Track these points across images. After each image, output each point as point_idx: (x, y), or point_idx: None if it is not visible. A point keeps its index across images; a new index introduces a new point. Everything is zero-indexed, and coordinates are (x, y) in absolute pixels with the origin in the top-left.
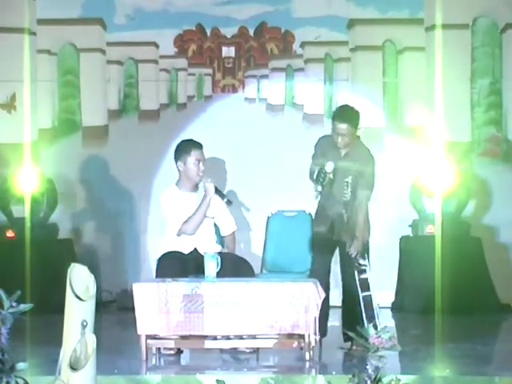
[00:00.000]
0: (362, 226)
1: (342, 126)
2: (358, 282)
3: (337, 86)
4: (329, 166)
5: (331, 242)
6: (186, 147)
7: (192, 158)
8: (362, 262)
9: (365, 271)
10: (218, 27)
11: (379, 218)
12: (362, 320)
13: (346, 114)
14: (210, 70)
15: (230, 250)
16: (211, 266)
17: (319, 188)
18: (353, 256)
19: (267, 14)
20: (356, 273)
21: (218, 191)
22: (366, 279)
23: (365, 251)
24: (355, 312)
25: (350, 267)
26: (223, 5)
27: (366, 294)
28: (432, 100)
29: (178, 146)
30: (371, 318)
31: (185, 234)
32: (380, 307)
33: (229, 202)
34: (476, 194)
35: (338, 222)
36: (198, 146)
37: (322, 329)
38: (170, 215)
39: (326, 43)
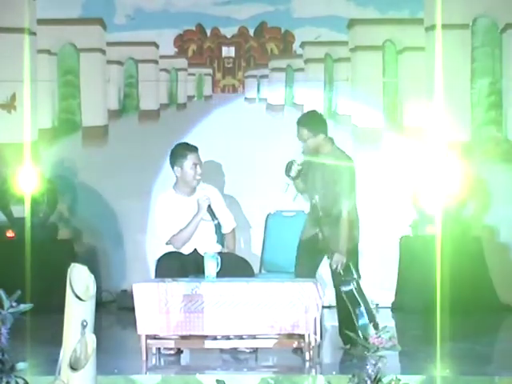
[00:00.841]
0: (344, 238)
1: (302, 131)
2: (344, 296)
3: (337, 86)
4: (299, 158)
5: (317, 249)
6: (182, 151)
7: (189, 161)
8: (345, 274)
9: (348, 283)
10: (218, 27)
11: (379, 218)
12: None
13: (306, 119)
14: (210, 70)
15: (230, 249)
16: (211, 266)
17: (288, 180)
18: (337, 270)
19: (267, 14)
20: (340, 287)
21: (210, 210)
22: (351, 291)
23: (351, 261)
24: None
25: (334, 279)
26: (223, 5)
27: (356, 307)
28: (432, 100)
29: (173, 151)
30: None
31: (173, 246)
32: (380, 307)
33: (218, 225)
34: (476, 194)
35: (320, 237)
36: (194, 149)
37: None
38: (162, 221)
39: (326, 43)
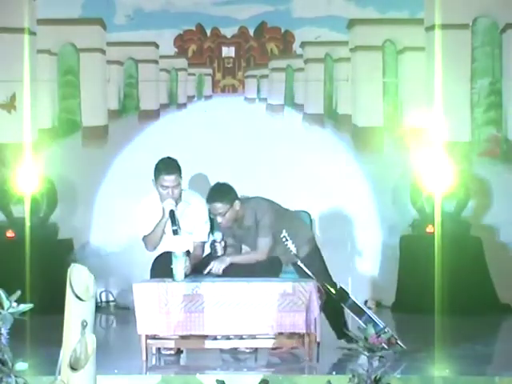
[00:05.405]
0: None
1: (218, 206)
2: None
3: (337, 86)
4: (217, 235)
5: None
6: (160, 169)
7: (160, 182)
8: (339, 293)
9: (347, 299)
10: (218, 27)
11: (379, 218)
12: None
13: (217, 194)
14: (209, 70)
15: (195, 258)
16: (179, 267)
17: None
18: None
19: (267, 14)
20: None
21: (171, 216)
22: (353, 303)
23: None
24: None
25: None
26: (223, 5)
27: (362, 316)
28: (432, 100)
29: (156, 165)
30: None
31: (146, 249)
32: (380, 307)
33: (175, 232)
34: (476, 194)
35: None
36: (171, 171)
37: None
38: (140, 224)
39: (326, 43)
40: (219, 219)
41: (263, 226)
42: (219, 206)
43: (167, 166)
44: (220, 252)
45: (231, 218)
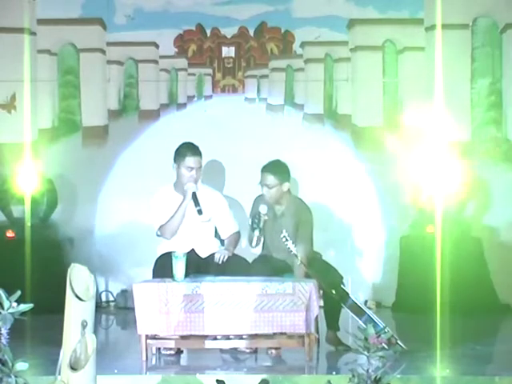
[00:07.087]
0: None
1: (269, 178)
2: (348, 310)
3: (337, 85)
4: (263, 208)
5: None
6: (183, 151)
7: (185, 163)
8: (339, 292)
9: (348, 299)
10: (218, 27)
11: (379, 218)
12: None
13: (273, 167)
14: (209, 70)
15: (228, 251)
16: (180, 268)
17: (256, 232)
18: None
19: (267, 14)
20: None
21: (194, 198)
22: (353, 303)
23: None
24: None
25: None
26: (223, 5)
27: (362, 316)
28: (432, 100)
29: (177, 148)
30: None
31: (163, 237)
32: (380, 307)
33: (199, 212)
34: (476, 194)
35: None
36: (195, 153)
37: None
38: (156, 215)
39: (326, 43)
40: (265, 191)
41: (303, 232)
42: (270, 178)
43: (191, 148)
44: (262, 225)
45: (275, 196)
